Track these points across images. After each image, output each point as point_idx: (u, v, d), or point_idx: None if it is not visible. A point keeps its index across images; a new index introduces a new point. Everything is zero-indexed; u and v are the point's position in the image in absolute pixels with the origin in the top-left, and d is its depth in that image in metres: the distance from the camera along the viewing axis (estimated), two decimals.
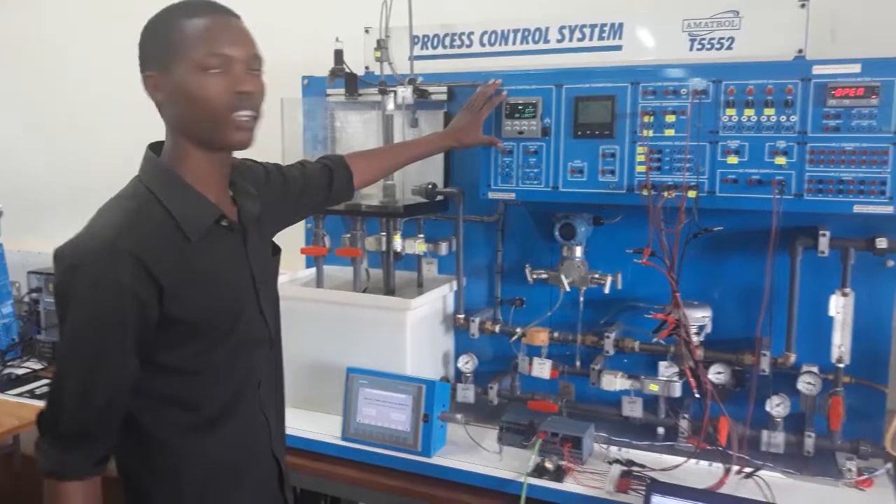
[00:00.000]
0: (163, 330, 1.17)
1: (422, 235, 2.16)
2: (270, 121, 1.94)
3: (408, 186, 2.10)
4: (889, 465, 1.75)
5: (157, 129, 1.28)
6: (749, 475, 1.69)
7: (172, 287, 1.16)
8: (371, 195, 2.12)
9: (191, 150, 1.23)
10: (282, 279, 2.11)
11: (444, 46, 2.21)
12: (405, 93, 2.02)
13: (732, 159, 1.70)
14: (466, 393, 2.09)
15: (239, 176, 1.37)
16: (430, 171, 2.15)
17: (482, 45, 2.17)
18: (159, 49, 1.20)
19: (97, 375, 1.14)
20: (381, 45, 2.07)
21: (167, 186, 1.21)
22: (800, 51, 1.82)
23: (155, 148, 1.27)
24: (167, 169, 1.23)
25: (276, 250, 1.45)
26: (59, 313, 1.15)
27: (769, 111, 1.66)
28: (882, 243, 1.70)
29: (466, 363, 2.10)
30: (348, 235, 2.15)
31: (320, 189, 1.65)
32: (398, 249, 2.11)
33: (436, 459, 1.83)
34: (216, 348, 1.23)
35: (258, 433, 1.34)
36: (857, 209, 1.63)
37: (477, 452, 1.84)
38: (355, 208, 2.07)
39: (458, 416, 1.88)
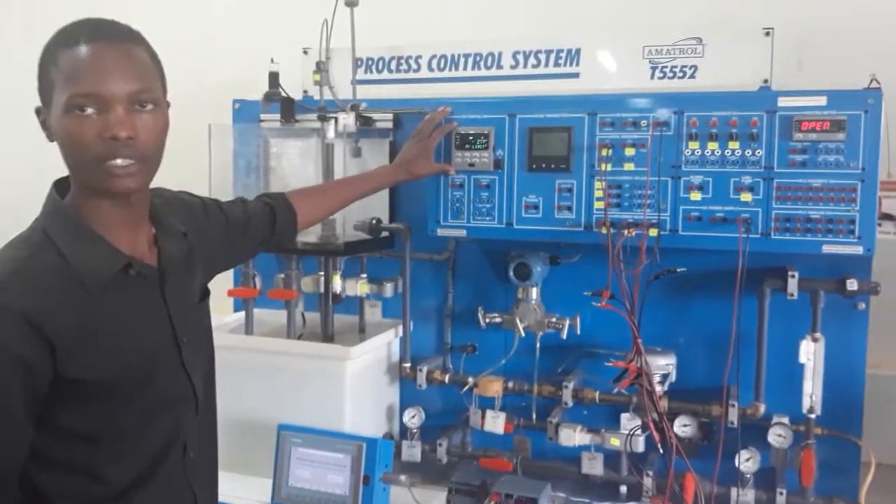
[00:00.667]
0: (60, 391, 1.09)
1: (364, 275, 2.11)
2: (198, 149, 2.00)
3: (349, 221, 2.03)
4: None
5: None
6: None
7: (67, 345, 1.08)
8: (308, 231, 1.99)
9: (88, 192, 1.15)
10: None
11: (390, 70, 2.18)
12: (347, 120, 1.98)
13: (696, 195, 1.69)
14: (412, 451, 2.02)
15: (167, 212, 1.31)
16: (374, 204, 2.08)
17: (431, 69, 2.15)
18: (41, 82, 1.14)
19: None
20: (321, 68, 2.01)
21: (66, 230, 1.14)
22: (765, 80, 1.84)
23: (61, 184, 1.20)
24: (68, 210, 1.15)
25: (205, 294, 1.38)
26: None
27: (734, 144, 1.66)
28: (852, 285, 1.70)
29: (413, 417, 2.04)
30: (282, 276, 2.09)
31: (262, 229, 1.58)
32: (338, 291, 2.06)
33: None
34: (125, 410, 1.16)
35: None
36: (826, 249, 1.62)
37: None
38: (290, 246, 1.96)
39: (403, 477, 1.82)
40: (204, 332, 1.36)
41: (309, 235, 2.02)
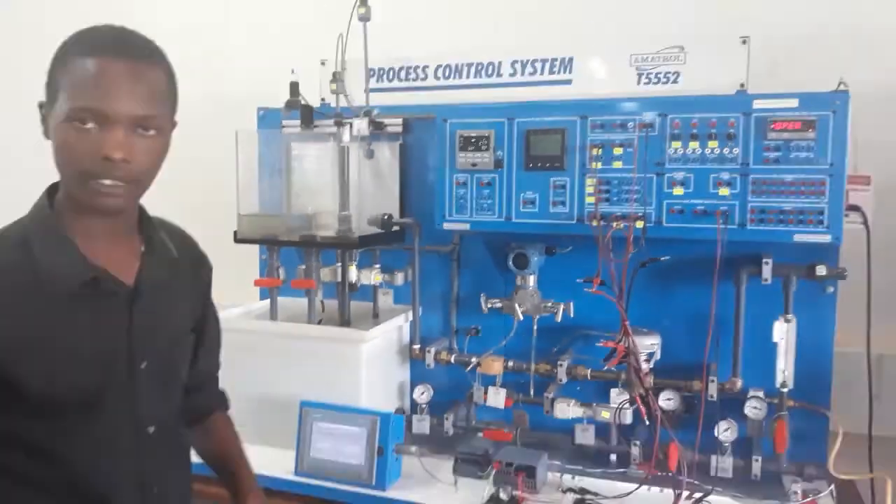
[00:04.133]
0: (2, 391, 1.02)
1: (377, 266, 2.14)
2: (226, 153, 2.03)
3: (363, 217, 2.07)
4: (832, 487, 1.75)
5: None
6: (699, 500, 1.68)
7: (10, 348, 1.00)
8: (327, 226, 2.08)
9: (72, 200, 1.08)
10: (235, 311, 2.18)
11: (399, 79, 2.23)
12: (361, 125, 2.01)
13: (678, 190, 1.73)
14: (422, 424, 2.07)
15: (165, 233, 1.21)
16: (386, 201, 2.15)
17: (436, 78, 2.19)
18: (50, 78, 1.06)
19: None
20: (337, 78, 2.05)
21: (44, 232, 1.07)
22: (742, 85, 1.87)
23: (54, 188, 1.12)
24: (50, 213, 1.09)
25: (189, 331, 1.27)
26: None
27: (713, 144, 1.69)
28: (822, 270, 1.74)
29: (422, 394, 2.07)
30: (303, 267, 2.11)
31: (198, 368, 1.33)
32: (353, 280, 2.08)
33: (391, 493, 1.80)
34: (68, 432, 1.04)
35: None
36: (797, 238, 1.66)
37: (432, 484, 1.82)
38: (310, 240, 2.03)
39: (413, 448, 1.86)
40: (175, 364, 1.21)
41: (327, 230, 2.08)
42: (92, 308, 1.08)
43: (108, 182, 1.03)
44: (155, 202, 1.20)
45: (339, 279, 2.10)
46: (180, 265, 1.23)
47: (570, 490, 1.77)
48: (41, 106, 1.09)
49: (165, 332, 1.18)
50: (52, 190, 1.13)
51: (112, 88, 1.01)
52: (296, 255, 2.16)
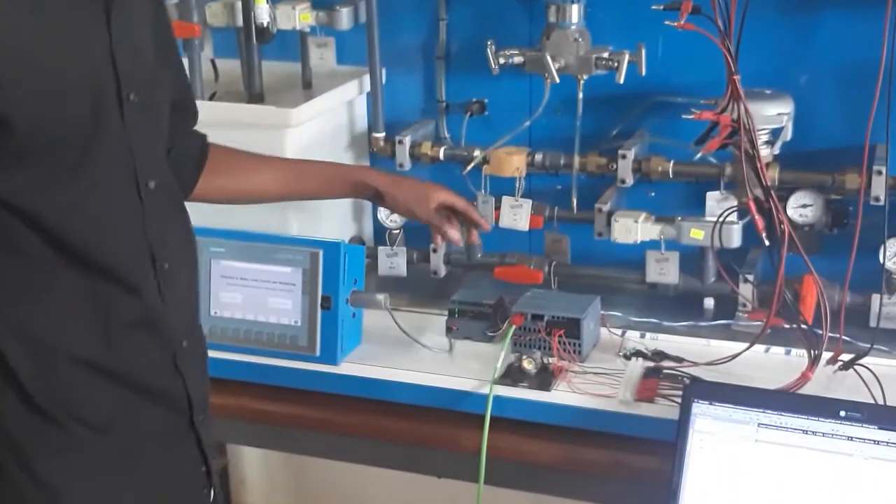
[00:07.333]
0: None
1: None
2: None
3: None
4: None
5: None
6: (848, 365, 1.64)
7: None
8: None
9: None
10: None
11: None
12: None
13: None
14: (394, 261, 2.03)
15: None
16: None
17: None
18: None
19: None
20: None
21: None
22: None
23: None
24: None
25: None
26: None
27: None
28: None
29: (392, 214, 1.98)
30: (175, 1, 2.00)
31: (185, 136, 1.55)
32: (265, 22, 1.96)
33: (346, 368, 1.76)
34: (60, 185, 1.20)
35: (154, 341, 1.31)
36: None
37: (412, 352, 1.78)
38: None
39: (381, 296, 1.78)
40: (158, 106, 1.37)
41: None
42: (69, 15, 1.21)
43: None
44: None
45: (240, 22, 2.01)
46: None
47: (639, 354, 1.73)
48: None
49: (144, 58, 1.33)
50: None
51: None
52: None
